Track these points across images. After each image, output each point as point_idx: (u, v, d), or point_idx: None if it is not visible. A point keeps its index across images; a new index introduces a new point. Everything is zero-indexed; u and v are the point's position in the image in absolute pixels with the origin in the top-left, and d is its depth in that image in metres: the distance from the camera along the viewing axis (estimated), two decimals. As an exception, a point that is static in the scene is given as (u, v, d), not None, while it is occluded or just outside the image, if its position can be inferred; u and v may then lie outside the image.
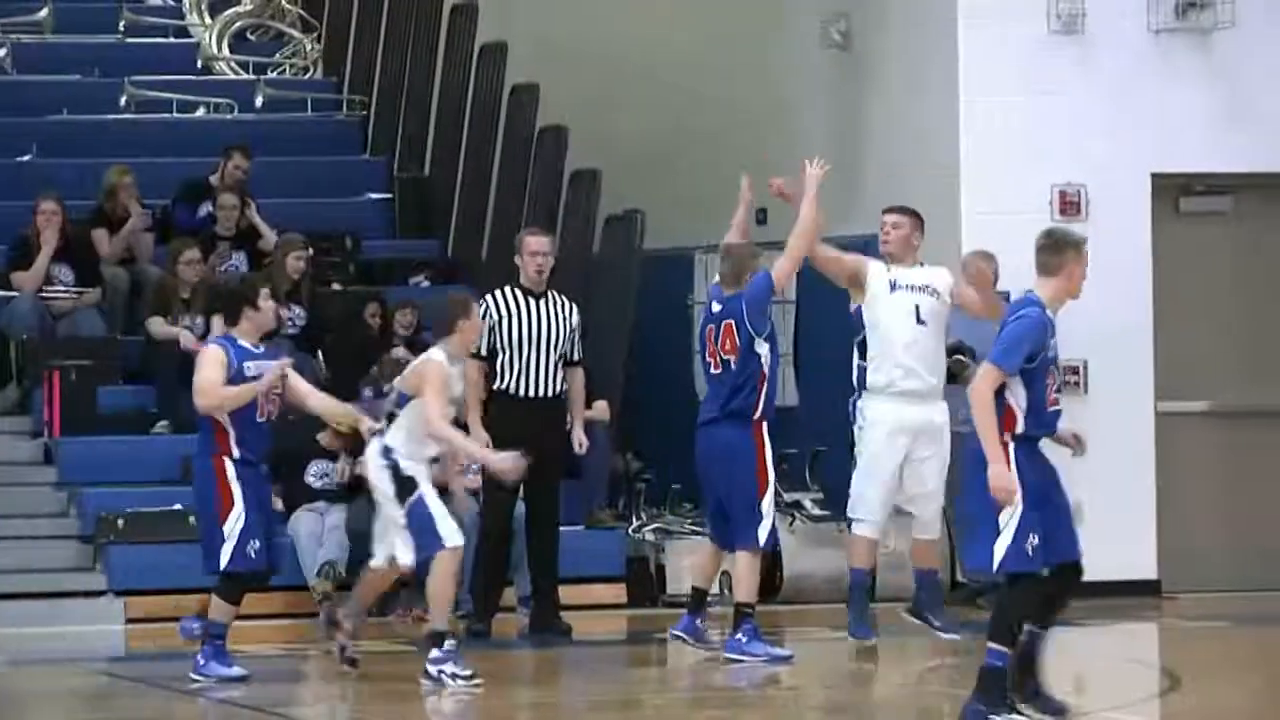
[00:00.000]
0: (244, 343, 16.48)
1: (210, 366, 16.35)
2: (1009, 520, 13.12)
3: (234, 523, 16.12)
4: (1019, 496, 13.08)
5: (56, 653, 19.62)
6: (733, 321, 17.47)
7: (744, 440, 17.50)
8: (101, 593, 20.67)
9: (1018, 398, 13.37)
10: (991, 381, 13.27)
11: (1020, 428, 13.28)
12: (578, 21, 25.12)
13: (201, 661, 16.39)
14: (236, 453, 16.16)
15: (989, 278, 19.32)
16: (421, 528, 16.14)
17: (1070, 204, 21.76)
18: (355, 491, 19.72)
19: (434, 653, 16.14)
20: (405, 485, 16.17)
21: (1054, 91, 21.93)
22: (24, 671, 19.15)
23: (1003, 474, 13.06)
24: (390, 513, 16.26)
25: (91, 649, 19.76)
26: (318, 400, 16.96)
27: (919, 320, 17.86)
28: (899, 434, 17.83)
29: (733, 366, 17.49)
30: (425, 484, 16.25)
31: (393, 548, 16.30)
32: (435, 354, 16.41)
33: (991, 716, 13.02)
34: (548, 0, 25.45)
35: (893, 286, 17.87)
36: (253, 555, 16.17)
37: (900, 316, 17.87)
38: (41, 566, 20.87)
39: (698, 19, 24.43)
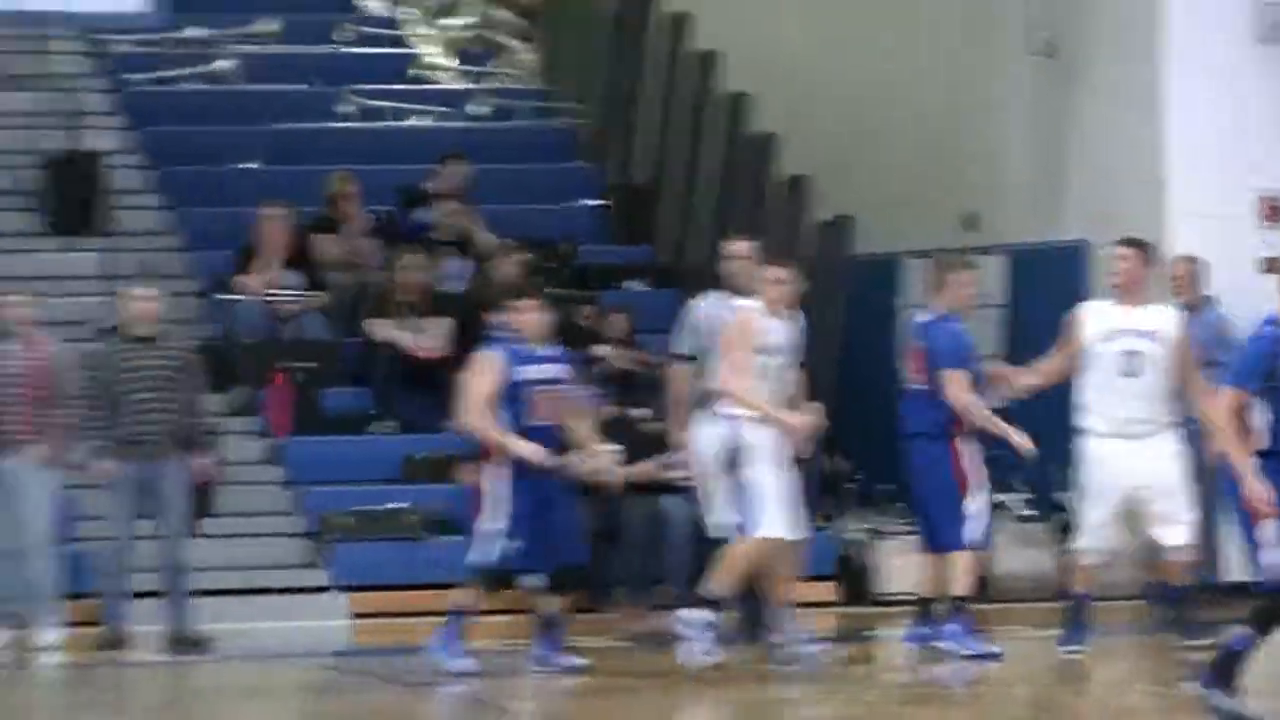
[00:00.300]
0: (523, 346, 16.93)
1: (479, 375, 16.89)
2: (1273, 532, 13.36)
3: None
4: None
5: (283, 647, 19.96)
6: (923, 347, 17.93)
7: (941, 446, 17.81)
8: (326, 589, 20.99)
9: (1260, 416, 13.46)
10: (1229, 403, 13.46)
11: (1266, 444, 13.35)
12: (786, 29, 25.07)
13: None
14: None
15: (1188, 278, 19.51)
16: (748, 503, 16.66)
17: (1276, 210, 21.77)
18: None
19: (695, 614, 16.59)
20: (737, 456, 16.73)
21: (1259, 98, 21.88)
22: (251, 665, 19.54)
23: (1255, 489, 13.23)
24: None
25: (317, 644, 20.10)
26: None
27: (1132, 373, 17.60)
28: (1120, 474, 17.68)
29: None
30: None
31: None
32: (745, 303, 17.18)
33: (1214, 690, 13.28)
34: (757, 10, 25.38)
35: (1109, 335, 17.72)
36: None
37: (1115, 366, 17.68)
38: (268, 563, 21.14)
39: (903, 25, 24.45)
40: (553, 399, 17.10)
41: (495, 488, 16.98)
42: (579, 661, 17.19)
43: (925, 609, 18.21)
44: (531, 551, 16.92)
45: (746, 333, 17.01)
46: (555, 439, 17.08)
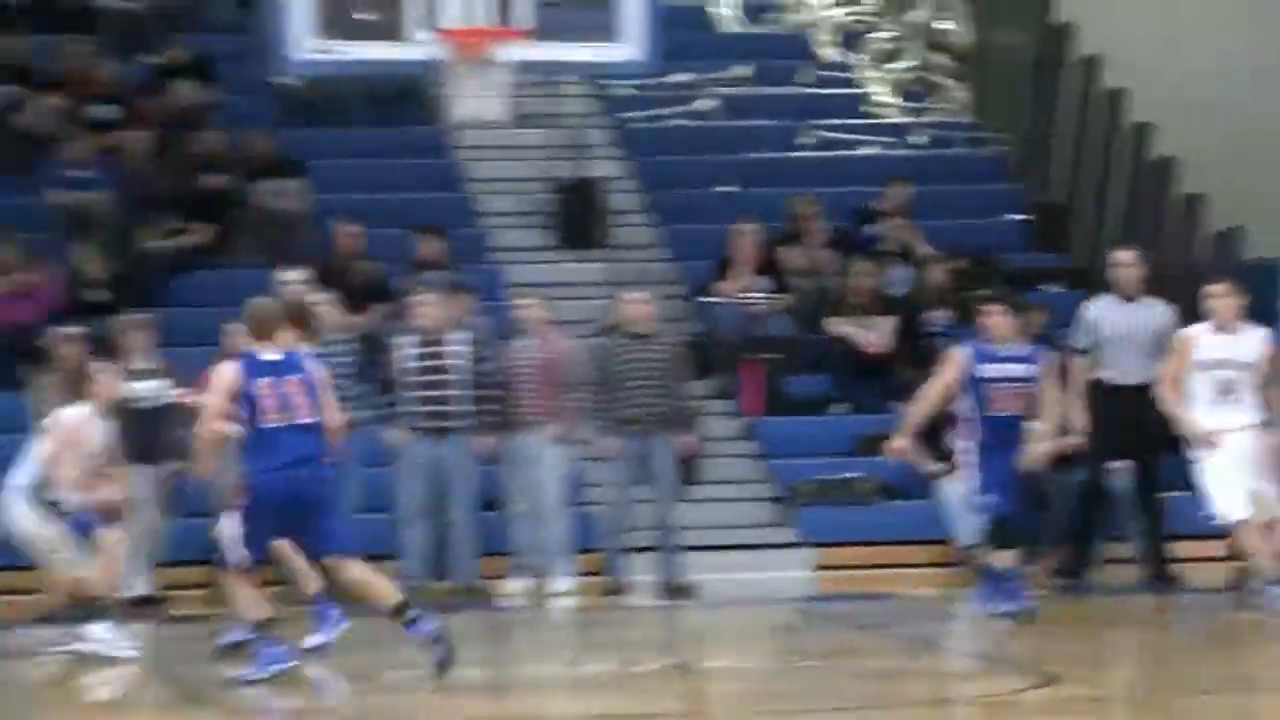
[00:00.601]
0: (988, 346, 16.74)
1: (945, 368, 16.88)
2: None
3: None
4: None
5: (757, 595, 20.08)
6: None
7: None
8: (794, 545, 21.07)
9: None
10: None
11: None
12: (1186, 63, 24.65)
13: None
14: None
15: None
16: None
17: None
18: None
19: None
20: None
21: None
22: (730, 610, 19.64)
23: None
24: None
25: (785, 592, 20.19)
26: None
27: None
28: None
29: None
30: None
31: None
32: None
33: None
34: (1160, 46, 25.06)
35: None
36: None
37: None
38: (744, 524, 21.23)
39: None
40: (1011, 394, 16.83)
41: (968, 458, 16.92)
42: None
43: None
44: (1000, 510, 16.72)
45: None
46: (1013, 427, 16.79)
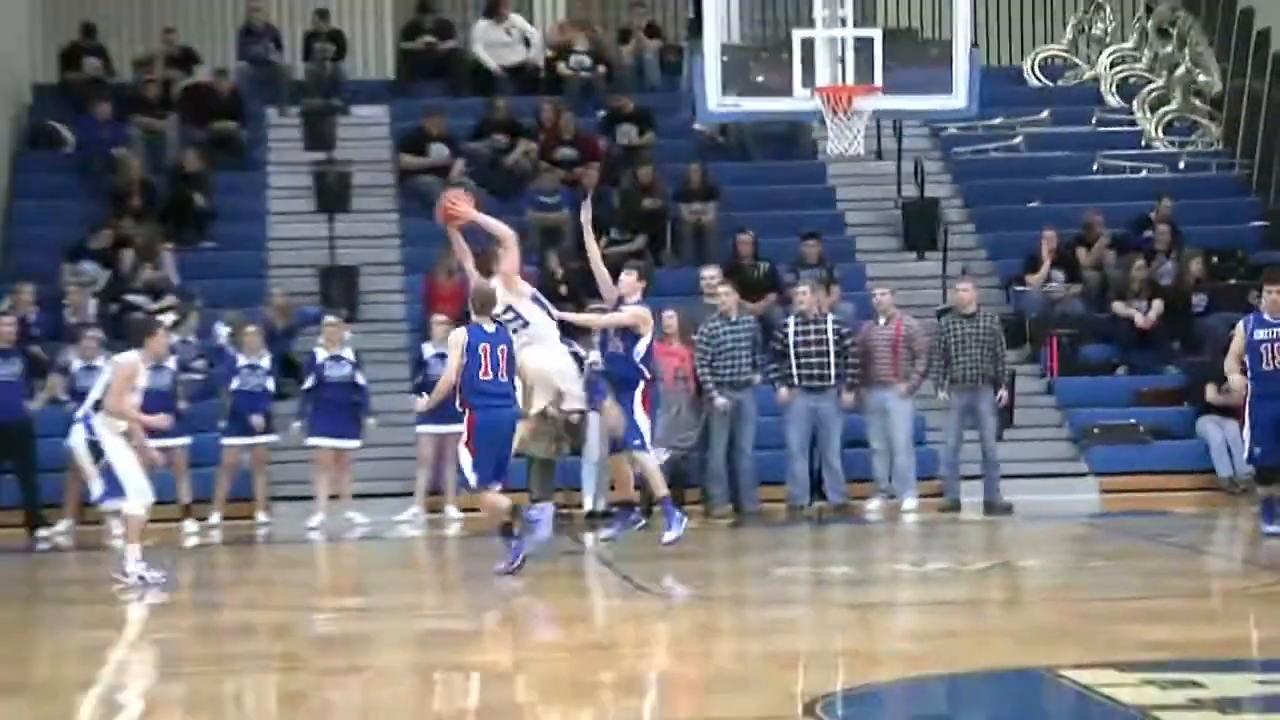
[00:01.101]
0: (1264, 316, 15.84)
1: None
2: None
3: None
4: None
5: (1057, 513, 19.80)
6: None
7: None
8: (1086, 474, 20.94)
9: None
10: None
11: None
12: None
13: None
14: None
15: None
16: None
17: None
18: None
19: None
20: None
21: None
22: (1037, 523, 19.39)
23: None
24: None
25: (1079, 511, 19.95)
26: None
27: None
28: None
29: None
30: None
31: None
32: None
33: None
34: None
35: None
36: None
37: None
38: (1046, 458, 21.21)
39: None
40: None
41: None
42: None
43: None
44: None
45: None
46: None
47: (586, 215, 16.50)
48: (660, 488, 15.83)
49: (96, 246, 22.42)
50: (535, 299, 15.63)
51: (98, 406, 14.55)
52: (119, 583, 14.32)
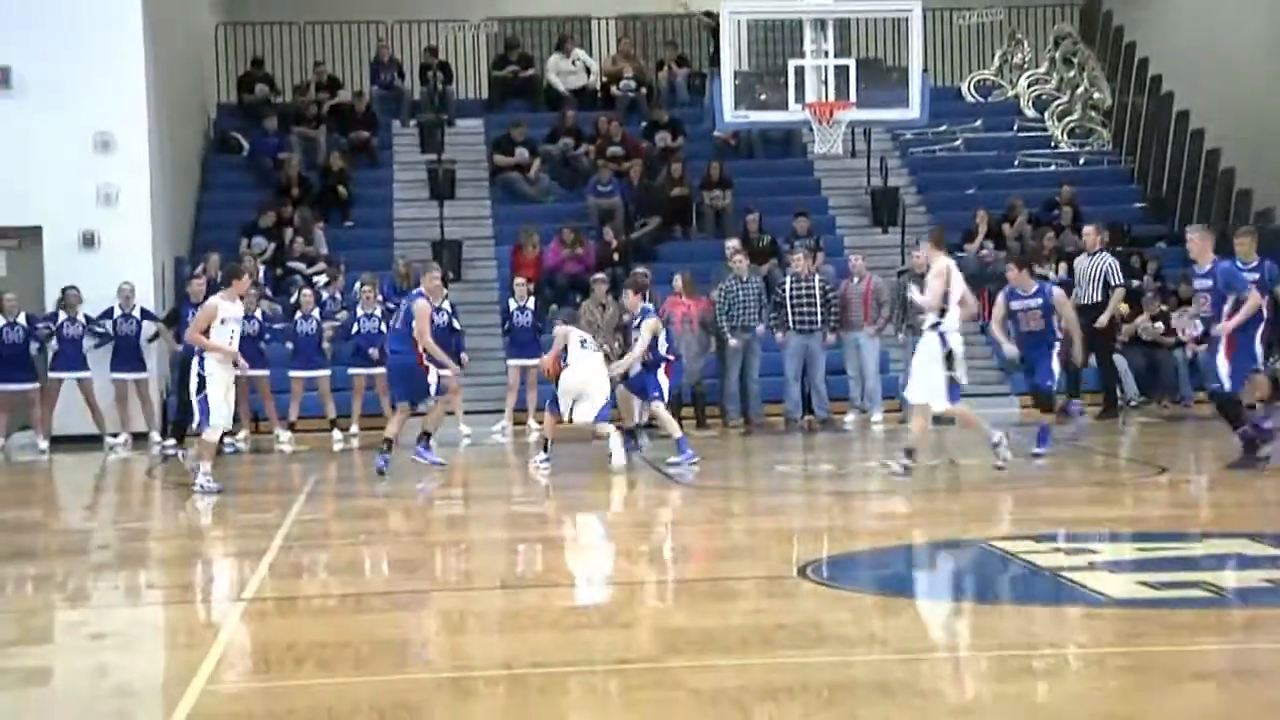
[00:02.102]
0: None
1: None
2: None
3: None
4: None
5: None
6: None
7: None
8: (1006, 394, 20.33)
9: None
10: None
11: None
12: (1246, 109, 23.77)
13: None
14: None
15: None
16: None
17: None
18: None
19: None
20: None
21: None
22: (969, 432, 19.27)
23: None
24: None
25: (1002, 423, 19.69)
26: None
27: None
28: None
29: None
30: None
31: None
32: None
33: None
34: (1235, 102, 24.14)
35: None
36: None
37: None
38: (976, 382, 20.26)
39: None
40: None
41: None
42: None
43: None
44: None
45: None
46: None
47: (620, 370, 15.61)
48: (675, 430, 15.53)
49: (264, 225, 22.39)
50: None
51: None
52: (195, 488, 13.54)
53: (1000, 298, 15.22)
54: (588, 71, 26.33)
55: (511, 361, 19.58)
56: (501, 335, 20.00)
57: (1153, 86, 26.16)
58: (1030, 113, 26.52)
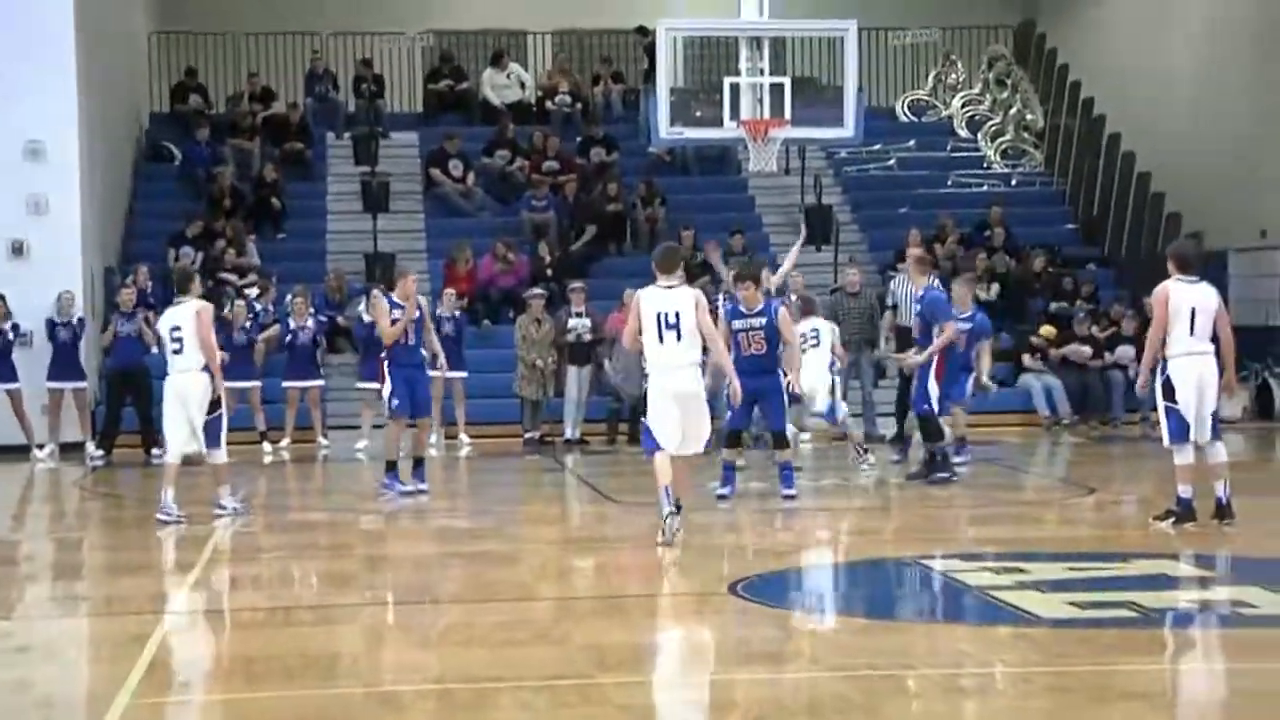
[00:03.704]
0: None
1: None
2: None
3: None
4: None
5: (915, 443, 19.70)
6: None
7: None
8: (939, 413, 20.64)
9: None
10: None
11: None
12: (1177, 130, 24.12)
13: None
14: None
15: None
16: None
17: None
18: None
19: None
20: None
21: None
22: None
23: None
24: None
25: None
26: None
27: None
28: None
29: None
30: None
31: None
32: None
33: None
34: (1163, 123, 24.43)
35: None
36: None
37: None
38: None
39: None
40: None
41: None
42: None
43: None
44: None
45: None
46: None
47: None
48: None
49: (192, 234, 22.23)
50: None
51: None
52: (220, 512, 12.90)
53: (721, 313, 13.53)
54: (523, 86, 26.33)
55: (436, 374, 19.52)
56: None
57: (1085, 109, 26.41)
58: (963, 133, 26.67)
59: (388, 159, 25.00)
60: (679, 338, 10.93)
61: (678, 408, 10.98)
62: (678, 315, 10.92)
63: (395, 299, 14.15)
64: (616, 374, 18.91)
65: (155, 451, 18.67)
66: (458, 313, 19.72)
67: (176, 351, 12.61)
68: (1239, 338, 12.26)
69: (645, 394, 11.45)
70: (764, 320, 13.04)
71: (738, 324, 13.08)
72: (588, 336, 19.42)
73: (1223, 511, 11.39)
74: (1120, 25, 25.78)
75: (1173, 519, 11.38)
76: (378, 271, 22.38)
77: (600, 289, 20.32)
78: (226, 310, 19.93)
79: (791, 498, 13.20)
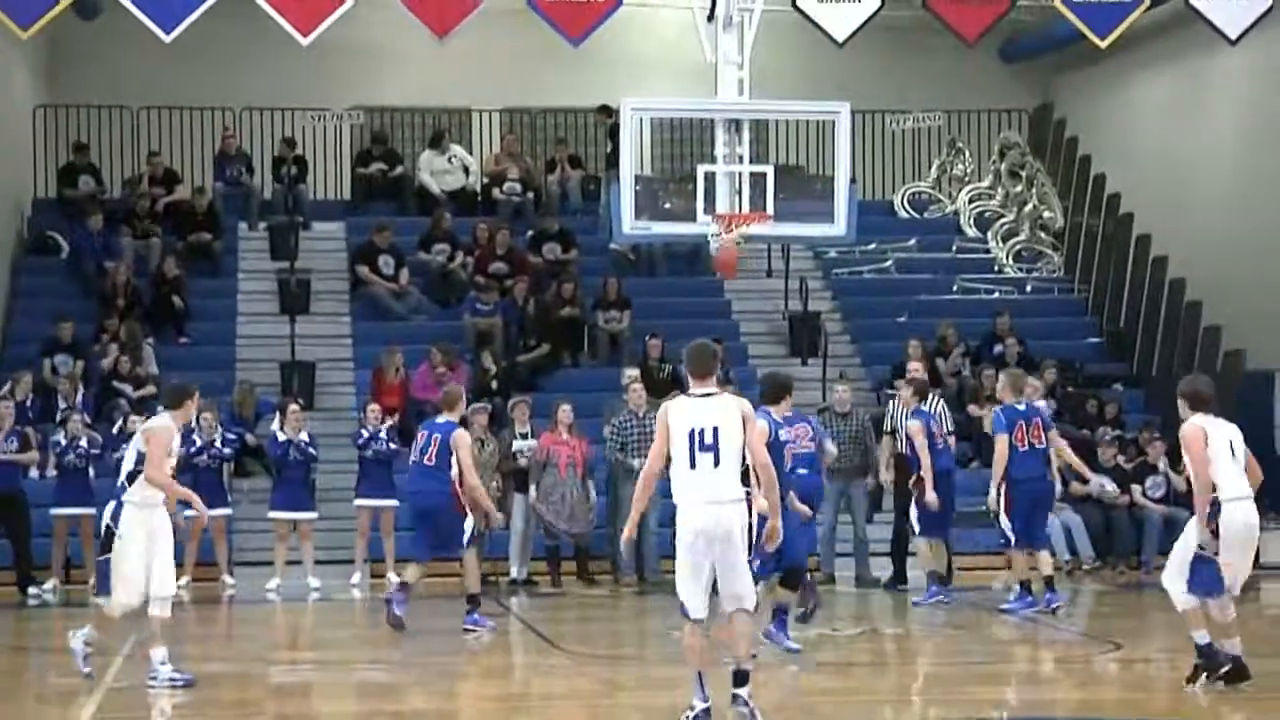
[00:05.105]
0: None
1: None
2: None
3: None
4: None
5: (913, 587, 19.79)
6: None
7: None
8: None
9: None
10: None
11: None
12: (1211, 239, 24.43)
13: None
14: None
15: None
16: None
17: None
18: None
19: None
20: None
21: None
22: (899, 595, 19.44)
23: None
24: None
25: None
26: None
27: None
28: None
29: None
30: None
31: None
32: None
33: None
34: (1196, 231, 24.85)
35: None
36: None
37: None
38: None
39: None
40: None
41: None
42: None
43: None
44: None
45: None
46: None
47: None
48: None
49: (66, 340, 22.23)
50: None
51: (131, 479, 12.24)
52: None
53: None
54: (466, 171, 26.54)
55: (362, 501, 19.62)
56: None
57: (1110, 206, 26.64)
58: (971, 231, 26.94)
59: (309, 253, 25.15)
60: (717, 462, 9.91)
61: (710, 556, 9.90)
62: (716, 433, 9.93)
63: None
64: (547, 507, 19.02)
65: (31, 590, 18.62)
66: (384, 431, 19.78)
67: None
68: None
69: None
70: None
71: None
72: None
73: (1242, 672, 11.40)
74: (1150, 110, 26.05)
75: (1204, 675, 11.44)
76: (295, 383, 22.49)
77: (551, 406, 20.42)
78: (117, 425, 19.95)
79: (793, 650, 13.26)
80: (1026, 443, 16.29)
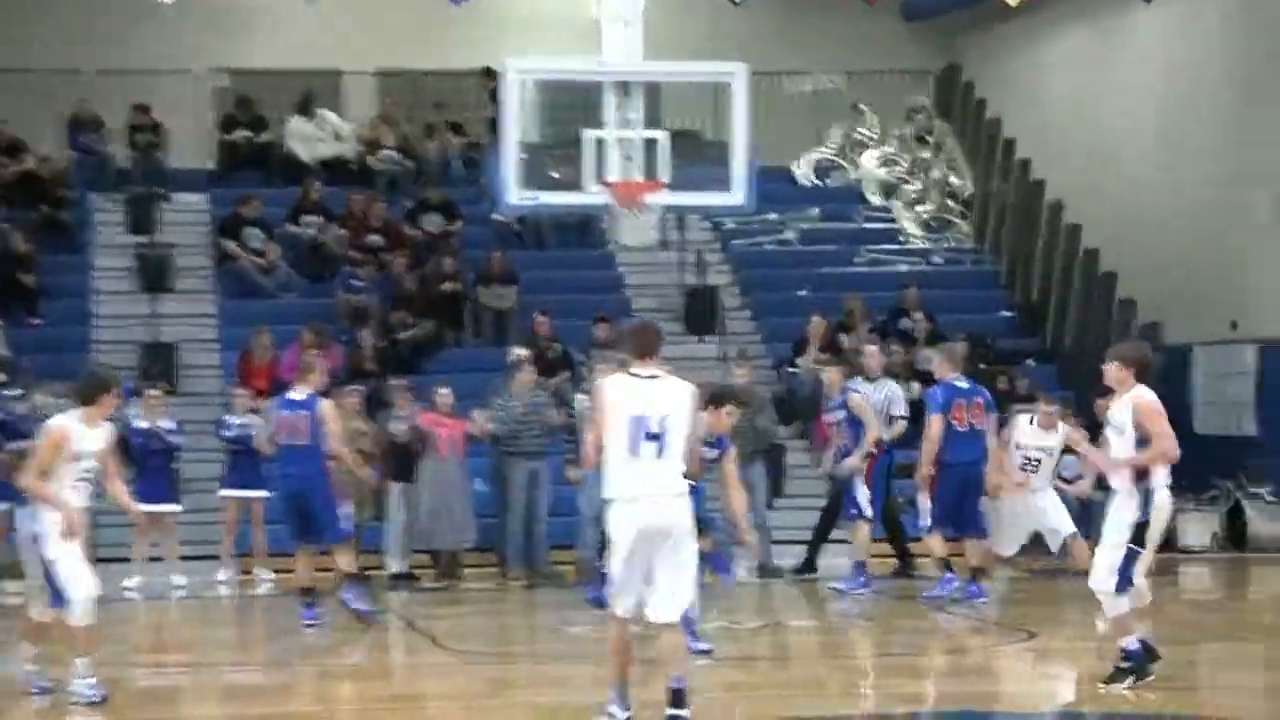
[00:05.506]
0: None
1: None
2: None
3: None
4: None
5: (820, 577, 19.75)
6: None
7: None
8: (847, 541, 20.72)
9: None
10: None
11: None
12: (1125, 210, 24.70)
13: None
14: None
15: None
16: None
17: None
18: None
19: None
20: None
21: None
22: (801, 585, 19.52)
23: None
24: None
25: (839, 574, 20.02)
26: None
27: None
28: None
29: None
30: None
31: None
32: None
33: None
34: (1110, 198, 25.07)
35: None
36: None
37: None
38: (809, 525, 20.69)
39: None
40: None
41: None
42: None
43: None
44: None
45: None
46: None
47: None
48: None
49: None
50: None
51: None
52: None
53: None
54: (338, 138, 26.40)
55: (228, 492, 19.44)
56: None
57: (1021, 171, 26.89)
58: (876, 200, 27.16)
59: (170, 226, 24.92)
60: (661, 452, 9.52)
61: (645, 554, 9.51)
62: (664, 421, 9.55)
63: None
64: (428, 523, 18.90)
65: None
66: (252, 417, 19.59)
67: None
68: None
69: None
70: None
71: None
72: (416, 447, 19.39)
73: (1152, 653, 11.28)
74: (1061, 71, 26.24)
75: (1131, 677, 11.17)
76: (157, 366, 22.24)
77: (432, 389, 20.30)
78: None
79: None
80: (966, 423, 16.24)
